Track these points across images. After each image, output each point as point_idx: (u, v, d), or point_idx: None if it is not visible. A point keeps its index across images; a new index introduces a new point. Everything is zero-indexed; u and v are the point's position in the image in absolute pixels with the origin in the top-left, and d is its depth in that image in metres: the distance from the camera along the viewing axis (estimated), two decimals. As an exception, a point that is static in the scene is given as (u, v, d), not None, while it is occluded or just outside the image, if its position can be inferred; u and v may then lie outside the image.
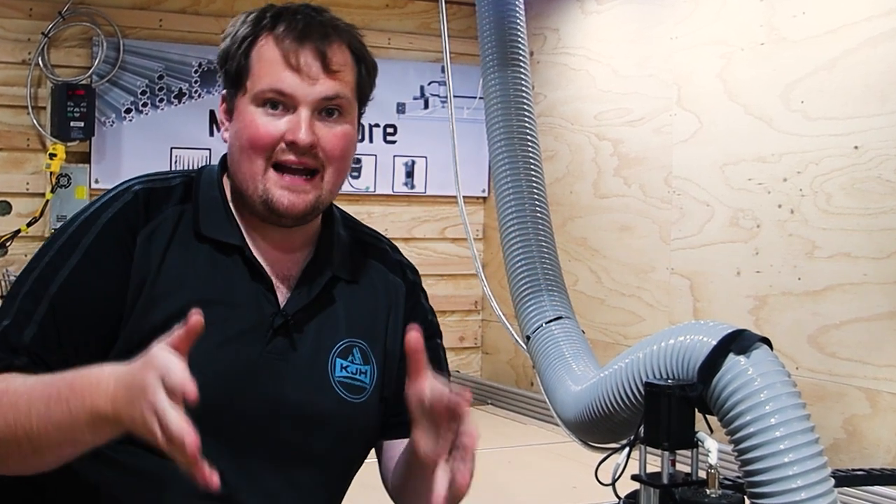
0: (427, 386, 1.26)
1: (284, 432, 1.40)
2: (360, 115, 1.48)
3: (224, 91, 1.45)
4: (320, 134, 1.39)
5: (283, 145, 1.38)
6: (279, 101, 1.38)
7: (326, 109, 1.40)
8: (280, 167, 1.38)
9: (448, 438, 1.26)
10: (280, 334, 1.41)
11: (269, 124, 1.38)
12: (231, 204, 1.45)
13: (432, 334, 1.59)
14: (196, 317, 1.14)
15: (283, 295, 1.44)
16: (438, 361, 1.56)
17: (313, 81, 1.38)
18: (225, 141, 1.45)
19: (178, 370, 1.10)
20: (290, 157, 1.38)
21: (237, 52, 1.41)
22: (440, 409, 1.24)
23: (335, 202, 1.55)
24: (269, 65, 1.38)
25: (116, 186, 1.43)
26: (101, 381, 1.18)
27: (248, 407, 1.37)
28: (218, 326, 1.35)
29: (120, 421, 1.16)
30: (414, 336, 1.26)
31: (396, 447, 1.49)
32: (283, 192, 1.38)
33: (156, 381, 1.10)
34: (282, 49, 1.38)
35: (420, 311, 1.62)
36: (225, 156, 1.49)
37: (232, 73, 1.41)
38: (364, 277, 1.55)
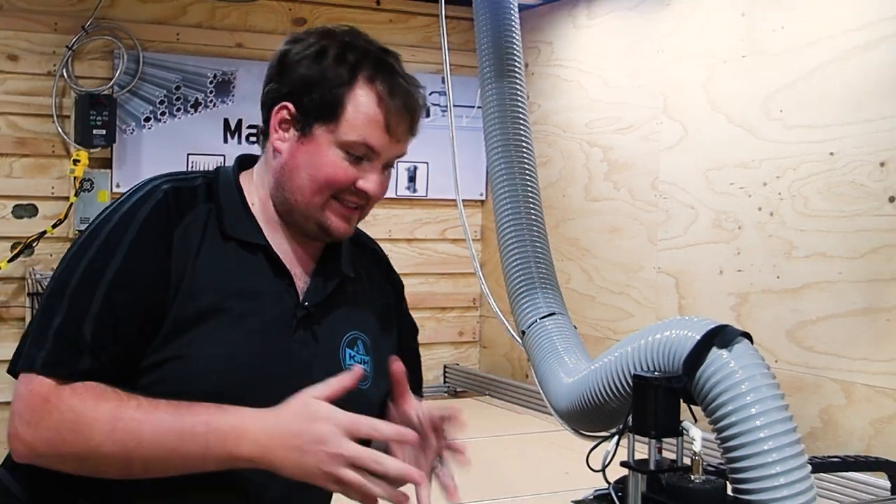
0: (412, 407, 1.39)
1: None
2: None
3: (291, 105, 1.42)
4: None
5: (351, 188, 1.42)
6: (363, 156, 1.41)
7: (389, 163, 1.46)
8: (337, 200, 1.43)
9: (431, 452, 1.36)
10: (302, 325, 1.44)
11: (349, 170, 1.41)
12: (251, 206, 1.46)
13: (415, 333, 1.68)
14: (359, 369, 1.28)
15: (300, 289, 1.46)
16: (415, 357, 1.65)
17: (398, 143, 1.44)
18: (277, 151, 1.43)
19: (364, 423, 1.22)
20: (353, 198, 1.43)
21: (331, 88, 1.40)
22: (427, 426, 1.36)
23: None
24: (369, 120, 1.40)
25: (142, 185, 1.42)
26: (246, 429, 1.22)
27: (277, 393, 1.38)
28: (247, 318, 1.38)
29: (274, 466, 1.22)
30: (398, 367, 1.39)
31: None
32: (339, 220, 1.43)
33: (335, 433, 1.20)
34: (384, 109, 1.40)
35: (407, 313, 1.67)
36: (242, 157, 1.51)
37: (316, 103, 1.40)
38: (363, 274, 1.59)
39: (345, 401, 1.39)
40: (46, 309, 1.32)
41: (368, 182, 1.41)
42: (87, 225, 1.43)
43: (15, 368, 1.30)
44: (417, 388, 1.56)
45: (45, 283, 3.54)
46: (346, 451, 1.21)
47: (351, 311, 1.51)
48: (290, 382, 1.38)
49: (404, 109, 1.43)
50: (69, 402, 1.24)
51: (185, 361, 1.32)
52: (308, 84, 1.41)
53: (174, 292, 1.34)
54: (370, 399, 1.48)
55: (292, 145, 1.42)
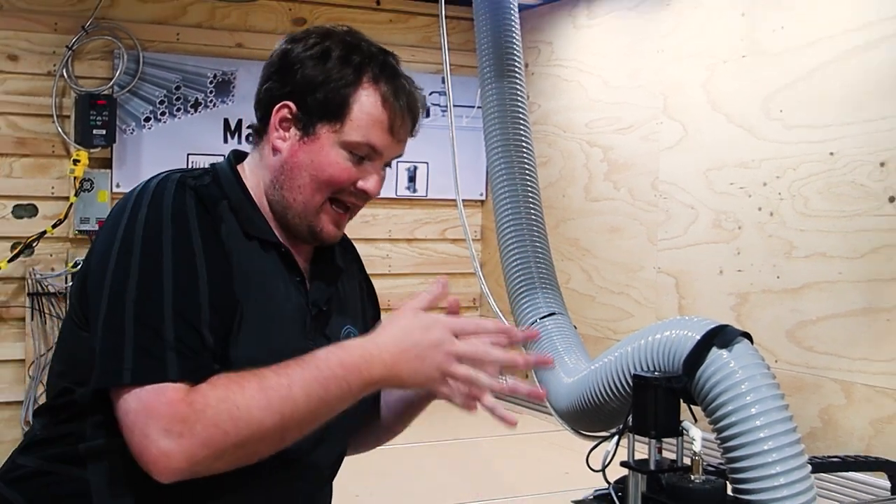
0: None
1: None
2: None
3: (292, 104, 1.41)
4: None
5: (351, 188, 1.42)
6: (366, 156, 1.42)
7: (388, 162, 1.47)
8: (336, 203, 1.43)
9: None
10: (314, 323, 1.45)
11: (351, 169, 1.41)
12: (257, 202, 1.45)
13: (377, 300, 1.69)
14: (443, 281, 1.34)
15: (305, 279, 1.48)
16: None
17: (399, 143, 1.45)
18: (277, 150, 1.43)
19: (480, 321, 1.34)
20: (351, 199, 1.43)
21: (336, 88, 1.40)
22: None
23: None
24: (373, 122, 1.41)
25: (161, 181, 1.36)
26: (372, 354, 1.28)
27: None
28: (276, 318, 1.38)
29: (401, 380, 1.29)
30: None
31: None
32: (331, 225, 1.44)
33: (447, 335, 1.29)
34: (388, 110, 1.41)
35: (369, 280, 1.70)
36: (234, 152, 1.50)
37: (320, 103, 1.40)
38: (344, 263, 1.59)
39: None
40: (144, 321, 1.24)
41: (368, 182, 1.42)
42: (105, 228, 1.35)
43: (114, 382, 1.22)
44: None
45: (45, 284, 3.57)
46: (458, 349, 1.29)
47: (343, 305, 1.53)
48: None
49: (408, 110, 1.44)
50: (214, 395, 1.20)
51: (233, 363, 1.30)
52: (312, 84, 1.40)
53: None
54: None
55: (293, 144, 1.42)
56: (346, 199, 1.43)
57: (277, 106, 1.42)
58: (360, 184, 1.41)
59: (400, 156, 1.47)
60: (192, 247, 1.29)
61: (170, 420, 1.18)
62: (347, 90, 1.40)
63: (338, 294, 1.52)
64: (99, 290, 1.28)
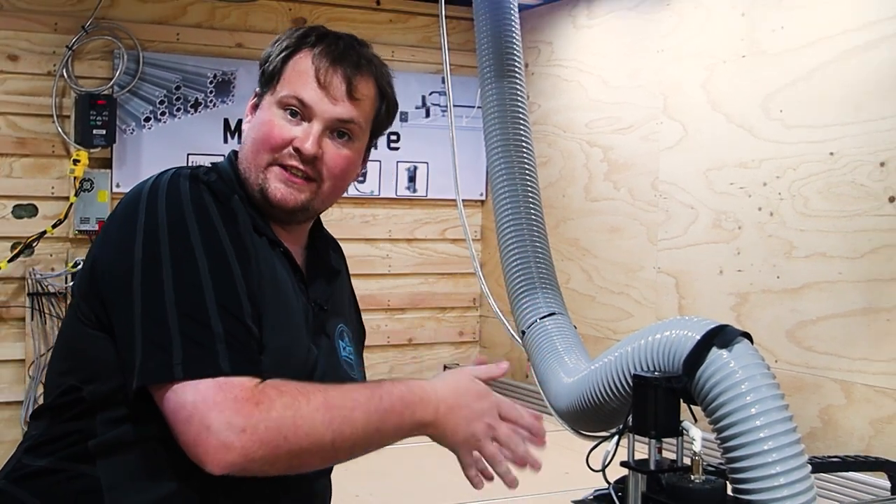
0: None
1: None
2: (371, 146, 1.51)
3: (257, 89, 1.48)
4: (326, 150, 1.42)
5: (289, 150, 1.40)
6: (298, 110, 1.41)
7: (339, 131, 1.43)
8: (282, 167, 1.41)
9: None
10: (316, 321, 1.45)
11: (284, 128, 1.41)
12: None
13: (359, 308, 1.71)
14: (504, 365, 1.44)
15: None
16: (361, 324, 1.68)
17: (335, 101, 1.41)
18: (243, 132, 1.48)
19: (521, 411, 1.43)
20: (293, 163, 1.40)
21: (276, 57, 1.44)
22: None
23: None
24: (300, 75, 1.41)
25: (172, 177, 1.36)
26: (428, 399, 1.34)
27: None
28: (284, 310, 1.38)
29: (443, 432, 1.35)
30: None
31: None
32: (279, 184, 1.40)
33: (493, 410, 1.38)
34: (315, 65, 1.41)
35: (352, 287, 1.70)
36: (234, 153, 1.51)
37: (267, 73, 1.45)
38: (336, 265, 1.60)
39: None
40: (183, 310, 1.22)
41: (303, 141, 1.39)
42: (116, 224, 1.33)
43: (164, 377, 1.20)
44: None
45: (45, 284, 3.57)
46: (498, 428, 1.38)
47: (336, 303, 1.54)
48: (322, 374, 1.41)
49: (340, 64, 1.41)
50: (281, 400, 1.20)
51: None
52: (262, 63, 1.47)
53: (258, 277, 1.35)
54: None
55: (250, 122, 1.47)
56: (287, 163, 1.40)
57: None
58: (296, 143, 1.40)
59: (348, 121, 1.42)
60: (220, 237, 1.29)
61: (235, 413, 1.17)
62: (287, 58, 1.43)
63: (333, 294, 1.53)
64: (125, 286, 1.25)
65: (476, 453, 1.37)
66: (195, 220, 1.29)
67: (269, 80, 1.44)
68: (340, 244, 1.67)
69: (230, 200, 1.37)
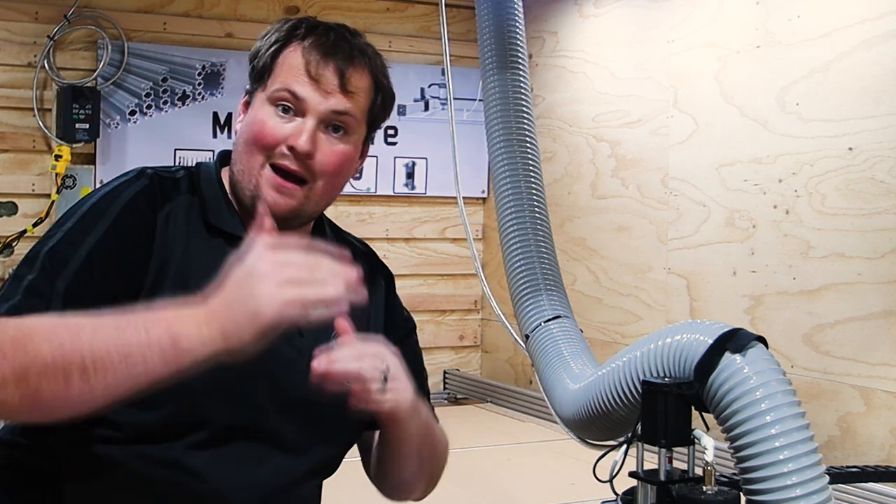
0: None
1: (286, 417, 1.42)
2: (368, 141, 1.51)
3: (248, 86, 1.48)
4: (320, 146, 1.41)
5: (283, 148, 1.40)
6: (291, 106, 1.41)
7: (333, 125, 1.42)
8: (276, 169, 1.41)
9: None
10: None
11: (277, 125, 1.41)
12: (231, 198, 1.47)
13: (410, 330, 1.64)
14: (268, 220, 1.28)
15: None
16: (413, 356, 1.59)
17: (328, 95, 1.41)
18: (235, 132, 1.48)
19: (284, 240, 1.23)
20: (286, 163, 1.40)
21: (266, 52, 1.44)
22: None
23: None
24: (291, 69, 1.41)
25: (127, 172, 1.44)
26: (184, 312, 1.18)
27: (257, 390, 1.39)
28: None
29: (225, 335, 1.16)
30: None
31: (373, 437, 1.54)
32: (270, 190, 1.40)
33: (274, 262, 1.18)
34: (306, 58, 1.41)
35: (400, 311, 1.65)
36: (223, 151, 1.53)
37: (257, 70, 1.45)
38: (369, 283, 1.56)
39: (331, 405, 1.36)
40: (18, 271, 1.32)
41: (297, 137, 1.39)
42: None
43: None
44: (424, 396, 1.54)
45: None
46: (286, 269, 1.19)
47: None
48: (271, 378, 1.39)
49: (332, 56, 1.42)
50: (13, 321, 1.20)
51: None
52: (251, 59, 1.47)
53: (157, 275, 1.35)
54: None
55: (242, 121, 1.47)
56: (281, 162, 1.40)
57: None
58: (290, 140, 1.39)
59: (343, 113, 1.42)
60: (106, 212, 1.34)
61: None
62: (277, 53, 1.43)
63: None
64: None
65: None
66: (95, 199, 1.38)
67: (260, 76, 1.45)
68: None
69: (171, 192, 1.42)
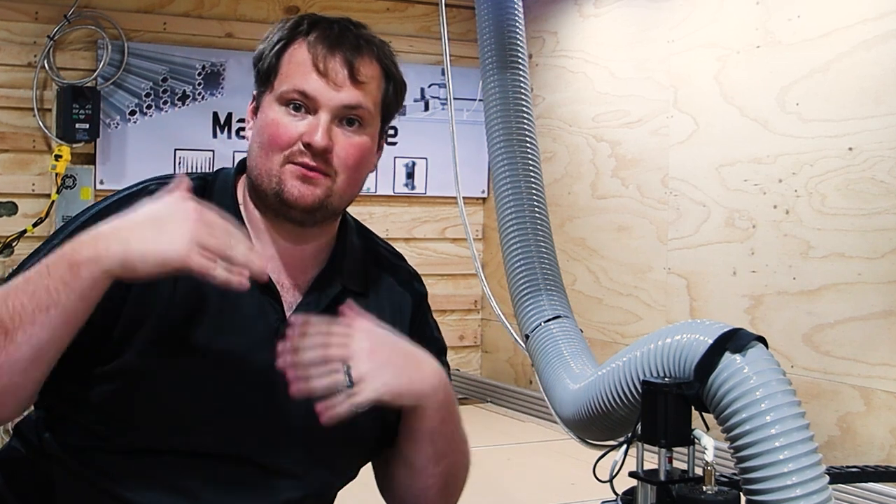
0: None
1: (284, 442, 1.40)
2: (384, 131, 1.49)
3: (255, 91, 1.46)
4: (337, 140, 1.39)
5: (299, 146, 1.38)
6: (302, 104, 1.39)
7: (347, 119, 1.41)
8: (297, 165, 1.39)
9: None
10: (279, 331, 1.39)
11: (290, 124, 1.38)
12: (243, 213, 1.44)
13: (437, 352, 1.58)
14: (185, 181, 1.27)
15: (287, 302, 1.43)
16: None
17: (338, 88, 1.38)
18: (247, 139, 1.45)
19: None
20: (305, 160, 1.38)
21: (270, 53, 1.42)
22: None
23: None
24: (298, 67, 1.39)
25: (132, 185, 1.43)
26: (83, 236, 1.23)
27: (253, 413, 1.37)
28: (226, 336, 1.36)
29: (127, 254, 1.19)
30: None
31: (387, 453, 1.51)
32: (295, 181, 1.38)
33: (196, 211, 1.22)
34: (312, 53, 1.39)
35: (426, 329, 1.62)
36: (242, 160, 1.49)
37: (263, 72, 1.43)
38: (373, 290, 1.54)
39: (334, 431, 1.32)
40: (14, 273, 1.33)
41: (311, 135, 1.37)
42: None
43: None
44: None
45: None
46: (205, 219, 1.23)
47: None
48: (270, 405, 1.37)
49: (338, 48, 1.39)
50: None
51: (149, 381, 1.33)
52: (255, 62, 1.45)
53: (148, 285, 1.31)
54: (360, 431, 1.43)
55: (253, 126, 1.44)
56: (299, 160, 1.38)
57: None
58: (305, 138, 1.37)
59: (354, 107, 1.40)
60: (101, 222, 1.31)
61: None
62: (281, 52, 1.41)
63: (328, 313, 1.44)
64: None
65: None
66: (98, 211, 1.38)
67: (266, 77, 1.42)
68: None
69: None
